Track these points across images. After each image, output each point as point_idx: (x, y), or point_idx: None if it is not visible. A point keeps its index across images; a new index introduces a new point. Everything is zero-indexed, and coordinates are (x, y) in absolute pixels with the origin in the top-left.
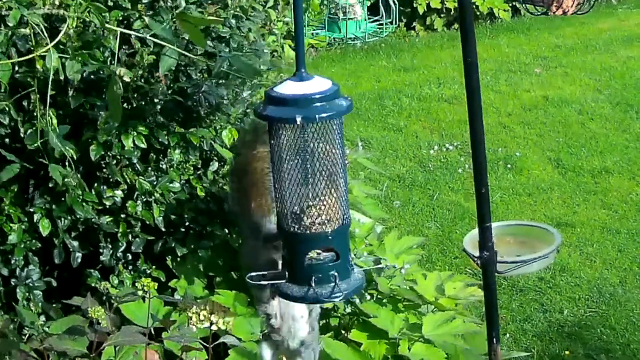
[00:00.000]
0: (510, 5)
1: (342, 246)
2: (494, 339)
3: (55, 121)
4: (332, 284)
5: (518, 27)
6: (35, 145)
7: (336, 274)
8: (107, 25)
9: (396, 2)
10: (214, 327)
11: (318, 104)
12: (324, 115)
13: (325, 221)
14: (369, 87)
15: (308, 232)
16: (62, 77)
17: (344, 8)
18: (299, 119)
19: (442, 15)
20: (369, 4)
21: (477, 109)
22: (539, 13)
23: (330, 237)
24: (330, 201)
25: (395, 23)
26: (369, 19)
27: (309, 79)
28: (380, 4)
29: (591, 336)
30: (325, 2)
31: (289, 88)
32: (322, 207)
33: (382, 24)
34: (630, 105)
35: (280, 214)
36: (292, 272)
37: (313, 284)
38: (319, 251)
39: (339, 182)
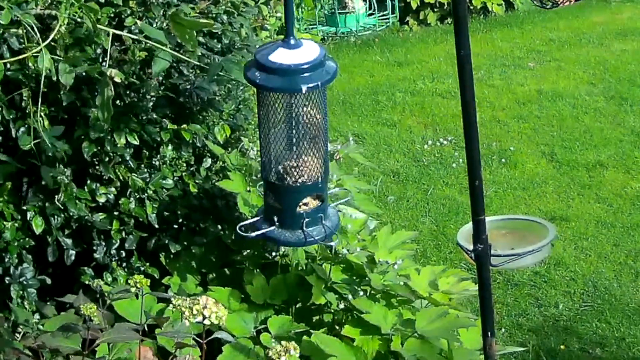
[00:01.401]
0: None
1: (324, 191)
2: (489, 333)
3: (47, 122)
4: (320, 225)
5: (512, 21)
6: (28, 145)
7: (322, 215)
8: (98, 26)
9: None
10: (206, 322)
11: (313, 72)
12: (319, 82)
13: (309, 175)
14: (362, 82)
15: (296, 185)
16: (54, 78)
17: (344, 2)
18: (304, 88)
19: (435, 10)
20: None
21: (470, 102)
22: (549, 6)
23: (319, 186)
24: (313, 161)
25: (396, 16)
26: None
27: (298, 46)
28: None
29: (586, 330)
30: None
31: (282, 57)
32: (305, 166)
33: (385, 18)
34: (624, 99)
35: (265, 168)
36: (283, 219)
37: (304, 228)
38: (307, 201)
39: (320, 144)
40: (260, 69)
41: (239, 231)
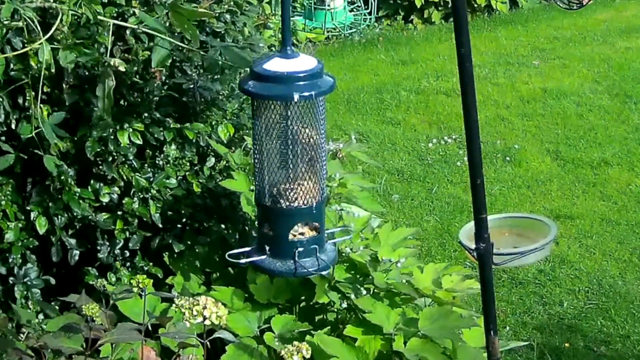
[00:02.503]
0: None
1: (321, 220)
2: (491, 331)
3: (45, 113)
4: (314, 257)
5: (516, 19)
6: (29, 135)
7: (316, 246)
8: (99, 17)
9: None
10: (207, 323)
11: (306, 82)
12: (313, 92)
13: (304, 199)
14: (367, 81)
15: (290, 208)
16: (53, 70)
17: None
18: (296, 96)
19: (440, 8)
20: None
21: (471, 100)
22: (576, 7)
23: (313, 212)
24: (308, 184)
25: (372, 17)
26: (355, 10)
27: (295, 57)
28: None
29: (591, 328)
30: None
31: (277, 65)
32: (301, 189)
33: (360, 15)
34: (628, 97)
35: (259, 192)
36: (275, 247)
37: (297, 258)
38: (304, 230)
39: (317, 166)
40: (254, 78)
41: (228, 258)
